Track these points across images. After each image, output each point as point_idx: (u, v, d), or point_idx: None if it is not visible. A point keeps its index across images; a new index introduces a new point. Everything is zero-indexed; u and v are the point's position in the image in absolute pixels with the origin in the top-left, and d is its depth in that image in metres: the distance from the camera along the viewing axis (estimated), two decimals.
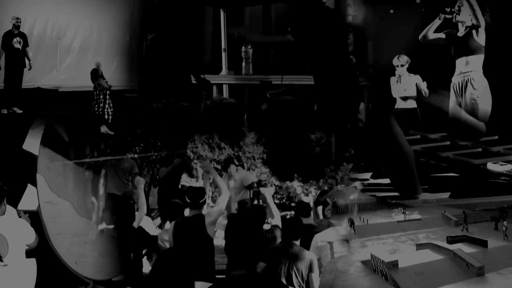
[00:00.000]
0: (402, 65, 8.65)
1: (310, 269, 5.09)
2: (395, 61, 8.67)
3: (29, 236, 4.34)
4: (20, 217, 4.59)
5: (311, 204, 8.14)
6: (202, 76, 9.95)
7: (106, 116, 9.37)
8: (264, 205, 6.14)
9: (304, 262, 5.05)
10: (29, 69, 9.74)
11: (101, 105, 9.36)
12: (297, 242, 5.19)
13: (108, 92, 9.44)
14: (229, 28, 10.51)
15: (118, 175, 8.25)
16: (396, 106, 8.79)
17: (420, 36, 8.33)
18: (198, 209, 5.26)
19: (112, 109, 9.48)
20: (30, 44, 9.81)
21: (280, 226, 5.58)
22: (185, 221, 5.27)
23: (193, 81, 10.07)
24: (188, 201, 5.30)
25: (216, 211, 5.30)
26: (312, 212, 6.49)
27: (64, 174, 5.54)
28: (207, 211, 5.37)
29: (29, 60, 9.73)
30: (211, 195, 8.05)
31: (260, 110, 9.11)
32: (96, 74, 9.42)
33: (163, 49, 10.13)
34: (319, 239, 5.84)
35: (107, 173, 8.27)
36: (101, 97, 9.38)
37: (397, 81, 8.76)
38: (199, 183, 6.37)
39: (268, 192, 6.23)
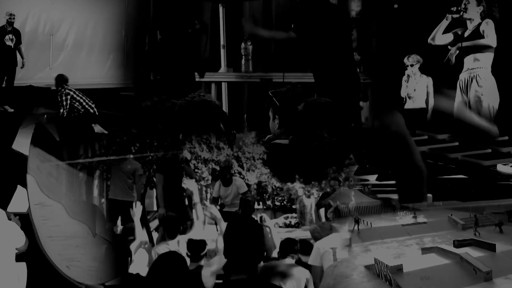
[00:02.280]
0: (411, 65, 8.74)
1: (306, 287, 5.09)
2: (406, 61, 8.79)
3: (19, 240, 4.34)
4: (10, 219, 4.60)
5: (313, 206, 8.18)
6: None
7: (92, 111, 9.31)
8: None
9: (302, 280, 5.04)
10: (21, 67, 9.81)
11: (76, 104, 9.27)
12: (293, 260, 5.21)
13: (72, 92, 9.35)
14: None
15: (121, 177, 8.27)
16: (405, 106, 8.87)
17: (429, 39, 8.40)
18: (198, 261, 5.35)
19: (91, 103, 9.41)
20: (22, 41, 9.85)
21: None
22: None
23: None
24: (189, 254, 5.36)
25: (217, 261, 5.27)
26: (314, 216, 6.51)
27: (56, 175, 5.54)
28: (208, 262, 5.35)
29: (22, 58, 9.81)
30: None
31: (297, 110, 9.06)
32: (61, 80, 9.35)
33: (171, 47, 10.13)
34: (321, 246, 5.84)
35: (102, 174, 8.28)
36: (69, 98, 9.27)
37: (405, 81, 8.84)
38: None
39: (272, 225, 6.30)
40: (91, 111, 9.29)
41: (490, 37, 8.02)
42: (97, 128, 9.20)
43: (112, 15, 10.69)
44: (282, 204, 9.14)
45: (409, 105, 8.93)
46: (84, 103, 9.21)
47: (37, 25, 10.44)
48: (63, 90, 9.12)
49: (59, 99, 9.08)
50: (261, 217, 6.56)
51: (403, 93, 8.97)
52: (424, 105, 8.87)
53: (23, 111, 9.01)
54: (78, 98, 9.18)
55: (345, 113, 8.18)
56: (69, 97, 9.10)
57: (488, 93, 8.11)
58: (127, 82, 10.54)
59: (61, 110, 9.08)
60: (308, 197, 8.93)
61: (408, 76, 8.84)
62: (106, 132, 9.18)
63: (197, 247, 5.40)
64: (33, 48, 10.39)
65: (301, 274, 5.14)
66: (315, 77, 8.34)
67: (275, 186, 9.11)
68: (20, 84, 9.94)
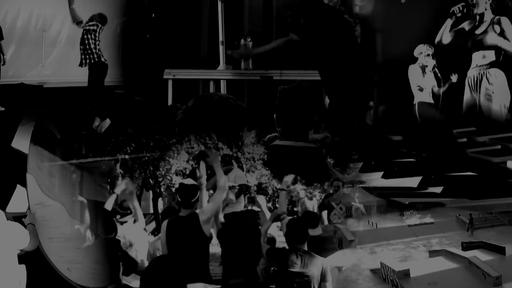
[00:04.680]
0: (429, 55, 8.64)
1: (323, 278, 5.07)
2: (425, 49, 8.64)
3: (22, 240, 4.36)
4: (25, 217, 4.63)
5: (316, 209, 8.21)
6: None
7: (103, 59, 9.42)
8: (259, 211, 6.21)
9: (316, 270, 5.03)
10: (3, 64, 9.81)
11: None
12: (305, 246, 5.18)
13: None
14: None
15: (95, 179, 8.28)
16: (416, 101, 8.80)
17: (436, 41, 8.45)
18: (190, 208, 5.32)
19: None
20: (13, 37, 9.89)
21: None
22: (178, 220, 5.34)
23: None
24: (179, 199, 5.35)
25: (210, 209, 5.31)
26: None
27: (56, 174, 5.58)
28: (200, 209, 5.40)
29: (3, 54, 9.81)
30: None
31: (187, 107, 9.09)
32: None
33: (135, 38, 10.20)
34: (326, 264, 5.85)
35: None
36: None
37: (431, 71, 8.65)
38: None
39: (263, 199, 6.28)
40: (102, 59, 9.44)
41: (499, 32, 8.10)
42: (106, 123, 9.24)
43: (106, 11, 10.70)
44: None
45: (421, 98, 8.77)
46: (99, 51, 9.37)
47: (29, 21, 10.46)
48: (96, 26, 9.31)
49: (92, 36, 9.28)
50: (253, 198, 6.52)
51: (417, 85, 8.76)
52: (431, 100, 8.76)
53: (15, 109, 9.04)
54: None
55: (353, 112, 8.22)
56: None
57: (498, 91, 8.16)
58: (122, 80, 10.58)
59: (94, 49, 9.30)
60: (310, 199, 8.95)
61: (434, 66, 8.61)
62: (101, 131, 9.21)
63: (188, 193, 5.33)
64: (25, 45, 10.40)
65: (317, 261, 5.10)
66: (321, 76, 8.39)
67: (275, 187, 9.14)
68: (11, 82, 9.95)
